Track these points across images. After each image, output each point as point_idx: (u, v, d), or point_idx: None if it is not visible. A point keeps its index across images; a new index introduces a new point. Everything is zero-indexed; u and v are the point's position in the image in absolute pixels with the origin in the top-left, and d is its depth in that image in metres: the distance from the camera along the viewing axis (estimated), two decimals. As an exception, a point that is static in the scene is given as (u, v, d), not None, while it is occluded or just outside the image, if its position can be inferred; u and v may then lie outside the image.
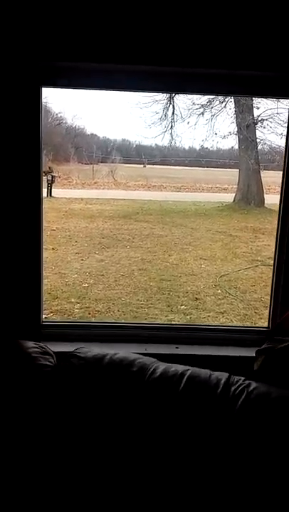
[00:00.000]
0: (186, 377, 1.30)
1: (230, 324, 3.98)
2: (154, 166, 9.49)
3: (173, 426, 1.24)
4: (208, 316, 4.32)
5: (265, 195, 7.41)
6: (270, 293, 1.88)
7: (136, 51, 1.59)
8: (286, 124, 1.80)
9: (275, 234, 1.83)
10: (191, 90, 1.97)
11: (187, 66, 1.62)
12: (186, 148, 8.57)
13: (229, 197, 7.94)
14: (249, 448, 1.17)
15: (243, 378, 1.31)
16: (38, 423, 1.34)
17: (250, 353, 1.60)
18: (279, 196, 1.81)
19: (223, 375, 1.32)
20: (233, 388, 1.26)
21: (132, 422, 1.27)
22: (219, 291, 4.91)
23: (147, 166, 9.62)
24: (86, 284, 4.92)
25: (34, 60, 1.59)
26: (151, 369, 1.35)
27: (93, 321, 3.90)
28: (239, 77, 1.70)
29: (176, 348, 1.79)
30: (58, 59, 1.61)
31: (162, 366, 1.36)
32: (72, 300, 4.50)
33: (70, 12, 1.55)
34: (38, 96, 1.67)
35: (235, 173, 7.73)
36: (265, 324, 1.92)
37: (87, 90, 1.83)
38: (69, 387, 1.37)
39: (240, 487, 1.16)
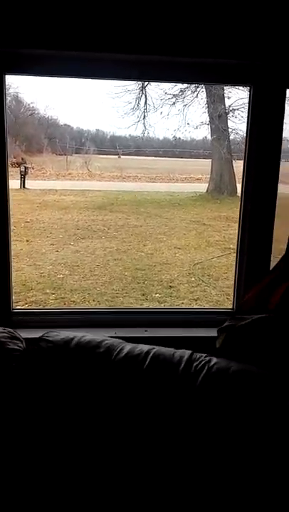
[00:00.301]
0: (150, 355, 1.35)
1: (197, 307, 4.08)
2: (129, 156, 9.46)
3: (138, 403, 1.29)
4: (182, 303, 4.40)
5: (238, 185, 7.54)
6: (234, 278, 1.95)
7: (101, 38, 1.60)
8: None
9: (238, 221, 1.90)
10: (156, 78, 2.00)
11: (153, 54, 1.64)
12: (160, 138, 8.59)
13: (203, 187, 8.02)
14: (210, 420, 1.24)
15: (204, 355, 1.37)
16: (8, 406, 1.37)
17: (215, 333, 1.66)
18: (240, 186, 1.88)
19: (186, 353, 1.37)
20: (195, 364, 1.32)
21: (99, 400, 1.32)
22: (193, 278, 5.00)
23: (122, 156, 9.59)
24: (61, 275, 4.93)
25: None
26: (118, 349, 1.39)
27: (64, 307, 3.93)
28: (201, 65, 1.74)
29: (146, 331, 1.85)
30: (22, 46, 1.61)
31: (128, 346, 1.41)
32: (48, 291, 4.51)
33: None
34: (1, 83, 1.67)
35: (208, 163, 7.80)
36: (231, 307, 2.00)
37: (56, 78, 1.83)
38: (38, 370, 1.40)
39: (201, 459, 1.22)
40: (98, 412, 1.32)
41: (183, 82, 5.55)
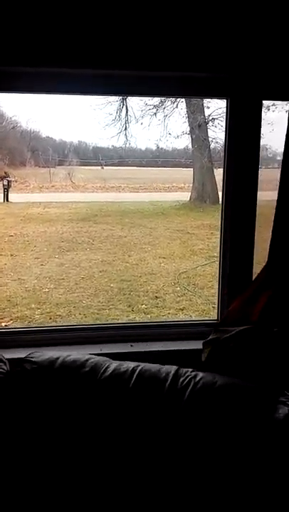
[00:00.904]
0: (136, 372, 1.35)
1: (182, 319, 4.09)
2: (112, 167, 9.48)
3: (125, 422, 1.28)
4: (168, 313, 4.40)
5: (220, 193, 7.58)
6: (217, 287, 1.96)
7: (78, 55, 1.61)
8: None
9: (220, 230, 1.91)
10: (139, 93, 2.02)
11: (134, 69, 1.66)
12: (143, 149, 8.65)
13: (185, 196, 8.07)
14: (198, 436, 1.23)
15: (190, 370, 1.37)
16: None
17: (200, 345, 1.66)
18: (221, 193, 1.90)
19: (172, 368, 1.37)
20: (181, 380, 1.32)
21: (86, 421, 1.31)
22: (178, 288, 5.00)
23: (105, 167, 9.61)
24: (46, 289, 4.88)
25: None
26: (103, 368, 1.38)
27: (48, 325, 3.89)
28: (178, 79, 1.76)
29: (131, 346, 1.84)
30: (1, 63, 1.61)
31: (114, 364, 1.40)
32: (33, 306, 4.46)
33: (14, 15, 1.55)
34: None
35: (190, 172, 7.86)
36: (216, 317, 2.00)
37: (34, 94, 1.83)
38: (23, 392, 1.38)
39: (190, 475, 1.22)
40: (85, 433, 1.31)
41: (159, 96, 5.64)
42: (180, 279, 5.24)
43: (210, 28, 1.64)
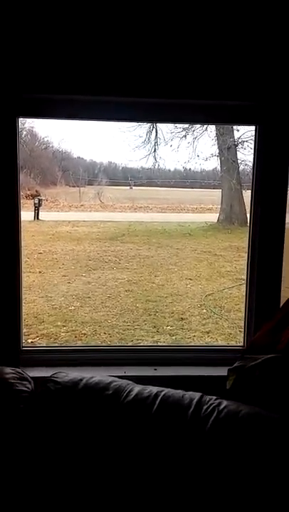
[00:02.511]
0: (159, 398, 1.33)
1: (209, 343, 4.03)
2: (141, 187, 9.61)
3: (146, 447, 1.26)
4: (194, 335, 4.35)
5: (248, 215, 7.53)
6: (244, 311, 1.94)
7: (111, 83, 1.68)
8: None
9: (247, 253, 1.90)
10: (168, 120, 2.06)
11: (163, 97, 1.71)
12: (171, 170, 8.74)
13: (213, 217, 8.07)
14: (219, 466, 1.20)
15: (214, 397, 1.34)
16: (16, 449, 1.35)
17: (225, 372, 1.63)
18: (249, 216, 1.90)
19: (195, 395, 1.35)
20: (204, 407, 1.30)
21: (107, 444, 1.30)
22: (204, 310, 4.95)
23: (134, 187, 9.74)
24: (72, 307, 4.93)
25: (11, 91, 1.67)
26: (126, 391, 1.37)
27: (73, 345, 3.91)
28: (208, 107, 1.79)
29: (155, 369, 1.83)
30: (35, 91, 1.68)
31: (137, 388, 1.39)
32: (59, 323, 4.50)
33: (48, 45, 1.63)
34: (14, 126, 1.74)
35: (218, 193, 7.87)
36: (242, 342, 1.97)
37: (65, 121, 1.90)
38: (46, 412, 1.39)
39: (210, 506, 1.18)
40: (106, 456, 1.30)
41: (189, 123, 5.72)
42: (206, 301, 5.19)
43: (239, 58, 1.67)
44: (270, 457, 1.18)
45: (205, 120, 2.05)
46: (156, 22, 1.64)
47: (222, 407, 1.29)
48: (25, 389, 1.44)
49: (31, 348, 2.00)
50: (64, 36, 1.63)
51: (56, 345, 3.93)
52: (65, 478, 1.31)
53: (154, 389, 1.38)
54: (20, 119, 1.81)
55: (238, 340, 4.15)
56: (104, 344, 4.02)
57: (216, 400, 1.33)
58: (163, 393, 1.36)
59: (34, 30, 1.62)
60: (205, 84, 1.69)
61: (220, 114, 1.80)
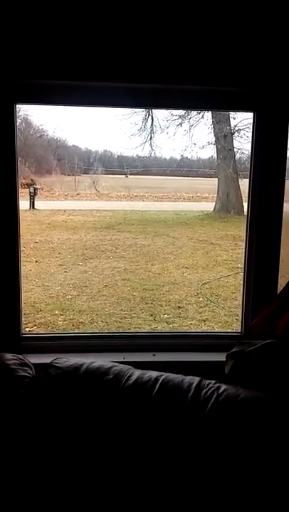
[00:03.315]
0: (159, 382, 1.35)
1: (205, 330, 4.07)
2: (136, 176, 9.57)
3: (146, 431, 1.29)
4: (191, 323, 4.38)
5: (244, 203, 7.57)
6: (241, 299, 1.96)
7: (108, 69, 1.66)
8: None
9: (244, 241, 1.91)
10: (166, 106, 2.05)
11: (161, 83, 1.70)
12: (167, 158, 8.70)
13: (209, 206, 8.07)
14: (218, 449, 1.23)
15: (213, 381, 1.37)
16: (18, 434, 1.37)
17: (223, 357, 1.66)
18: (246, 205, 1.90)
19: (194, 379, 1.37)
20: (204, 391, 1.32)
21: (108, 428, 1.32)
22: (201, 298, 4.98)
23: (129, 176, 9.70)
24: (70, 296, 4.95)
25: (8, 77, 1.65)
26: (126, 376, 1.39)
27: (72, 331, 3.93)
28: (205, 92, 1.78)
29: (154, 355, 1.85)
30: (32, 77, 1.67)
31: (137, 373, 1.41)
32: (56, 312, 4.52)
33: (45, 30, 1.61)
34: (12, 113, 1.73)
35: (215, 182, 7.86)
36: (239, 329, 1.99)
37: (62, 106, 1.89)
38: (47, 397, 1.41)
39: (209, 489, 1.21)
40: (107, 440, 1.32)
41: (186, 109, 5.68)
42: (203, 290, 5.22)
43: (237, 44, 1.66)
44: (269, 440, 1.21)
45: (203, 106, 2.05)
46: (153, 6, 1.62)
47: (221, 390, 1.31)
48: (27, 374, 1.46)
49: (31, 335, 2.02)
50: (61, 21, 1.61)
51: (56, 332, 3.95)
52: (66, 463, 1.33)
53: (154, 373, 1.40)
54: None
55: (234, 327, 4.19)
56: (102, 331, 4.05)
57: (215, 383, 1.35)
58: (162, 377, 1.38)
59: (30, 15, 1.60)
60: (203, 70, 1.68)
61: (218, 100, 1.80)
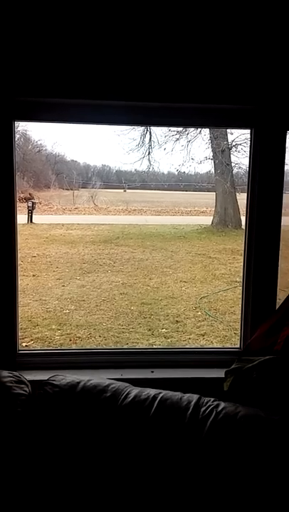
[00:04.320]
0: (157, 400, 1.33)
1: (205, 346, 4.04)
2: (134, 190, 9.63)
3: (144, 450, 1.26)
4: (189, 338, 4.35)
5: (242, 217, 7.61)
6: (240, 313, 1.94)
7: (106, 87, 1.68)
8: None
9: (243, 256, 1.91)
10: (164, 123, 2.06)
11: (159, 101, 1.71)
12: (165, 172, 8.78)
13: (207, 220, 8.11)
14: (218, 467, 1.20)
15: (212, 399, 1.35)
16: (14, 453, 1.34)
17: (222, 374, 1.64)
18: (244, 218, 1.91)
19: (193, 397, 1.35)
20: (202, 409, 1.30)
21: (105, 447, 1.29)
22: (199, 313, 4.96)
23: (127, 190, 9.76)
24: (67, 310, 4.92)
25: (7, 95, 1.66)
26: (124, 394, 1.37)
27: (69, 348, 3.89)
28: (203, 110, 1.80)
29: (152, 372, 1.83)
30: (31, 95, 1.68)
31: (135, 391, 1.39)
32: (53, 327, 4.49)
33: (44, 49, 1.63)
34: (11, 129, 1.74)
35: (212, 196, 7.92)
36: (238, 344, 1.97)
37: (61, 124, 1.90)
38: (44, 415, 1.38)
39: (207, 507, 1.18)
40: (104, 459, 1.30)
41: (185, 126, 5.75)
42: (201, 304, 5.20)
43: (235, 62, 1.68)
44: (270, 458, 1.19)
45: (201, 124, 2.07)
46: (153, 26, 1.64)
47: (220, 408, 1.29)
48: (23, 392, 1.43)
49: (28, 352, 1.99)
50: (60, 40, 1.63)
51: (52, 348, 3.92)
52: (63, 481, 1.31)
53: (152, 391, 1.39)
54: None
55: (233, 342, 4.17)
56: (100, 347, 4.01)
57: (213, 401, 1.34)
58: (161, 395, 1.36)
59: (31, 33, 1.62)
60: (202, 89, 1.70)
61: (216, 117, 1.81)
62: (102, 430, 1.31)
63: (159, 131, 7.20)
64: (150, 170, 7.76)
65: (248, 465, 1.19)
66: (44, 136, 9.64)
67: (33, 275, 5.82)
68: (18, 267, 1.86)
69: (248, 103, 1.73)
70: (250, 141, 1.86)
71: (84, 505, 1.27)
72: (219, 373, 1.72)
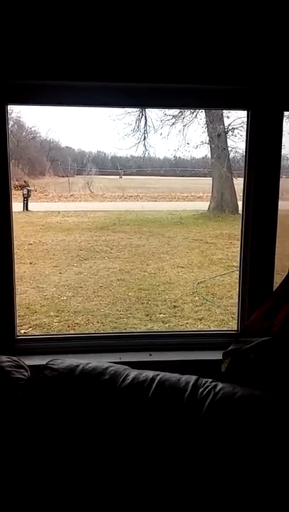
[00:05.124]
0: (155, 382, 1.35)
1: (201, 329, 4.06)
2: (130, 176, 9.57)
3: (143, 431, 1.28)
4: (187, 323, 4.38)
5: (239, 202, 7.58)
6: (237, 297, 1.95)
7: (100, 68, 1.65)
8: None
9: (240, 240, 1.91)
10: (159, 105, 2.04)
11: (155, 82, 1.68)
12: (161, 158, 8.71)
13: (204, 205, 8.09)
14: (216, 447, 1.22)
15: (210, 380, 1.36)
16: (14, 436, 1.36)
17: (220, 356, 1.65)
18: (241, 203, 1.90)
19: (191, 378, 1.36)
20: (200, 390, 1.31)
21: (105, 429, 1.31)
22: (197, 297, 4.98)
23: (123, 176, 9.70)
24: (65, 297, 4.93)
25: (-1, 78, 1.64)
26: (123, 376, 1.38)
27: (68, 333, 3.91)
28: (199, 91, 1.78)
29: (150, 355, 1.84)
30: (23, 77, 1.65)
31: (133, 373, 1.40)
32: (51, 314, 4.50)
33: (35, 31, 1.59)
34: (4, 113, 1.71)
35: (209, 181, 7.88)
36: (235, 327, 1.99)
37: (55, 107, 1.87)
38: (43, 398, 1.39)
39: (207, 488, 1.20)
40: (103, 441, 1.31)
41: (180, 108, 5.68)
42: (198, 289, 5.22)
43: (231, 42, 1.65)
44: (268, 437, 1.20)
45: (197, 105, 2.04)
46: (147, 5, 1.61)
47: (218, 389, 1.31)
48: (22, 376, 1.44)
49: (26, 337, 1.99)
50: (51, 21, 1.60)
51: (51, 333, 3.93)
52: (63, 464, 1.32)
53: (150, 373, 1.40)
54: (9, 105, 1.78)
55: (230, 326, 4.20)
56: (98, 331, 4.03)
57: (211, 382, 1.35)
58: (159, 377, 1.37)
59: (22, 15, 1.58)
60: (197, 69, 1.67)
61: (212, 98, 1.79)
62: (102, 412, 1.33)
63: (154, 116, 7.12)
64: (146, 155, 7.70)
65: (247, 445, 1.21)
66: (38, 123, 9.52)
67: (30, 263, 5.81)
68: (15, 255, 1.85)
69: (245, 83, 1.71)
70: (247, 123, 1.84)
71: (84, 488, 1.29)
72: (217, 355, 1.73)
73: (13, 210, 1.82)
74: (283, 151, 1.82)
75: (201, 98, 1.80)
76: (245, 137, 1.87)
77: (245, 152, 1.86)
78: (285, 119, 1.81)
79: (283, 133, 1.79)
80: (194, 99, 1.81)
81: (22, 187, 8.20)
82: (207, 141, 7.19)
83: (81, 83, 1.69)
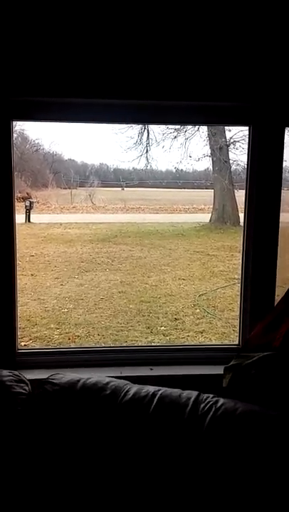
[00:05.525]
0: (157, 397, 1.34)
1: (203, 343, 4.04)
2: (132, 188, 9.62)
3: (144, 447, 1.27)
4: (188, 335, 4.36)
5: (240, 214, 7.61)
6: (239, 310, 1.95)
7: (106, 86, 1.68)
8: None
9: (241, 253, 1.91)
10: (162, 121, 2.06)
11: (157, 99, 1.72)
12: (163, 170, 8.77)
13: (206, 217, 8.12)
14: (217, 463, 1.21)
15: (211, 396, 1.35)
16: (14, 452, 1.35)
17: (221, 370, 1.64)
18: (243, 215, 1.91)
19: (192, 394, 1.35)
20: (202, 406, 1.30)
21: (105, 444, 1.30)
22: (198, 310, 4.97)
23: (125, 189, 9.75)
24: (66, 309, 4.92)
25: (4, 95, 1.66)
26: (124, 391, 1.38)
27: (68, 346, 3.90)
28: (202, 108, 1.80)
29: (151, 369, 1.83)
30: (28, 94, 1.68)
31: (134, 388, 1.39)
32: (52, 326, 4.49)
33: (41, 49, 1.63)
34: (9, 129, 1.74)
35: (210, 193, 7.92)
36: (237, 341, 1.98)
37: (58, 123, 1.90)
38: (44, 413, 1.38)
39: (207, 503, 1.19)
40: (105, 457, 1.30)
41: (183, 124, 5.74)
42: (200, 301, 5.21)
43: (233, 60, 1.68)
44: (269, 454, 1.19)
45: (200, 121, 2.07)
46: (151, 24, 1.64)
47: (219, 404, 1.30)
48: (23, 391, 1.44)
49: (27, 351, 1.99)
50: (57, 38, 1.63)
51: (52, 347, 3.92)
52: (64, 479, 1.31)
53: (152, 388, 1.39)
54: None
55: (231, 339, 4.18)
56: (99, 345, 4.01)
57: (213, 397, 1.34)
58: (160, 392, 1.36)
59: (28, 32, 1.61)
60: (200, 86, 1.70)
61: (214, 115, 1.81)
62: (102, 427, 1.32)
63: (156, 129, 7.19)
64: (148, 168, 7.76)
65: (248, 460, 1.20)
66: (41, 136, 9.62)
67: (32, 274, 5.81)
68: (17, 267, 1.86)
69: (246, 100, 1.73)
70: (249, 138, 1.87)
71: (84, 502, 1.28)
72: (218, 370, 1.72)
73: (16, 221, 1.83)
74: (285, 164, 1.84)
75: (203, 115, 1.82)
76: (246, 150, 1.89)
77: (247, 166, 1.87)
78: (286, 131, 1.83)
79: (285, 146, 1.81)
80: (196, 116, 1.84)
81: (24, 199, 8.25)
82: (209, 154, 7.26)
83: (84, 100, 1.72)
